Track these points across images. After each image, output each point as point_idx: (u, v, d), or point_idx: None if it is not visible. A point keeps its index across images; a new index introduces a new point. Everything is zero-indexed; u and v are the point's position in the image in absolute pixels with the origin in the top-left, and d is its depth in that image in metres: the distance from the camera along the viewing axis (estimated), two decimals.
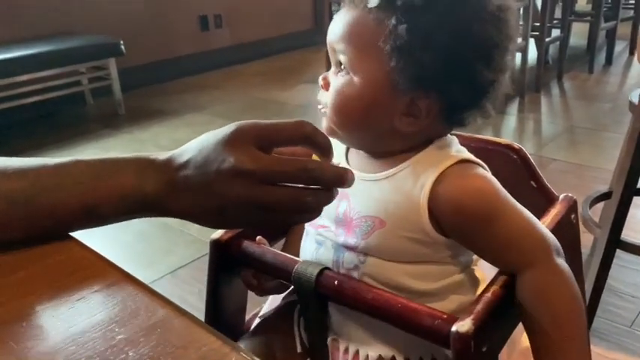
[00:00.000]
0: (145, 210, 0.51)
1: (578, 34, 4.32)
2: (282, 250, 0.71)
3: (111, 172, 0.50)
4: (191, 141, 0.52)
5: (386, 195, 0.60)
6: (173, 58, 3.93)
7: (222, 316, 0.71)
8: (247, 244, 0.65)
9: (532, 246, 0.55)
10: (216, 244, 0.66)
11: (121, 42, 3.12)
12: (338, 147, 0.66)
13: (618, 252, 1.37)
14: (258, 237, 0.66)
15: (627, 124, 2.73)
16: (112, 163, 0.51)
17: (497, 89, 0.58)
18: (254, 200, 0.48)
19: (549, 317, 0.53)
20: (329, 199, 0.51)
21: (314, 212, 0.51)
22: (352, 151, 0.66)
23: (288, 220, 0.53)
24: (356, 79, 0.58)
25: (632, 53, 4.05)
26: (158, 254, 1.85)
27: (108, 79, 3.21)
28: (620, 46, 4.08)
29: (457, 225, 0.57)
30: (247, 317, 0.78)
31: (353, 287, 0.57)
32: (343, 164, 0.65)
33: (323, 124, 0.63)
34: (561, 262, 0.55)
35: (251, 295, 0.73)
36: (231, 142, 0.48)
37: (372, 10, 0.56)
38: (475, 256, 0.63)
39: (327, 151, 0.51)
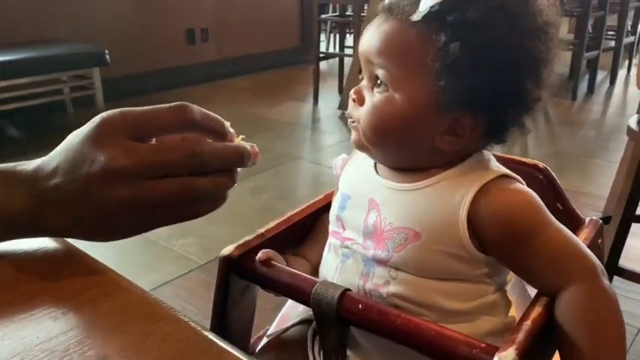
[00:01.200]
0: (14, 231, 0.44)
1: (560, 62, 4.39)
2: (306, 246, 0.67)
3: None
4: (58, 146, 0.44)
5: (421, 206, 0.57)
6: (158, 70, 3.88)
7: (227, 337, 0.66)
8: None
9: (578, 263, 0.53)
10: (226, 261, 0.61)
11: (106, 51, 3.06)
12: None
13: (615, 279, 1.36)
14: (265, 251, 0.61)
15: (613, 150, 2.80)
16: None
17: (540, 106, 0.56)
18: (138, 201, 0.41)
19: (592, 337, 0.50)
20: (230, 183, 0.45)
21: (217, 200, 0.45)
22: None
23: (187, 214, 0.44)
24: (398, 96, 0.55)
25: (612, 83, 4.14)
26: (140, 270, 1.78)
27: (91, 89, 3.14)
28: (601, 76, 4.16)
29: (498, 240, 0.54)
30: (252, 339, 0.73)
31: (380, 311, 0.53)
32: (371, 173, 0.61)
33: (353, 138, 0.60)
34: (607, 282, 0.52)
35: (257, 314, 0.68)
36: (97, 137, 0.41)
37: (416, 24, 0.53)
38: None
39: (220, 133, 0.46)
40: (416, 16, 0.53)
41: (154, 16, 3.81)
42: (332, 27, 5.18)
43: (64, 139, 0.44)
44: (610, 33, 4.27)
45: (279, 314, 0.73)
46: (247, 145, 0.47)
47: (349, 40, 4.42)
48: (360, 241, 0.61)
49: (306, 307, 0.67)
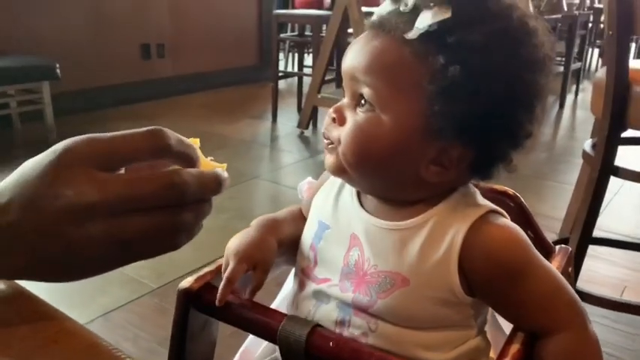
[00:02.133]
0: None
1: None
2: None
3: None
4: (11, 174, 0.39)
5: (410, 249, 0.52)
6: (112, 86, 3.78)
7: None
8: None
9: (567, 308, 0.51)
10: (184, 295, 0.57)
11: (57, 65, 2.95)
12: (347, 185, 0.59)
13: None
14: (223, 293, 0.54)
15: (564, 172, 2.88)
16: None
17: (529, 142, 0.53)
18: (112, 238, 0.37)
19: None
20: (209, 210, 0.42)
21: (194, 230, 0.42)
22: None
23: (165, 247, 0.41)
24: (385, 118, 0.50)
25: (561, 106, 4.28)
26: (90, 294, 1.69)
27: (40, 104, 3.01)
28: (551, 100, 4.30)
29: (489, 280, 0.51)
30: None
31: (352, 349, 0.49)
32: (355, 206, 0.57)
33: (328, 161, 0.55)
34: (592, 329, 0.51)
35: (218, 353, 0.64)
36: (61, 168, 0.37)
37: (411, 42, 0.49)
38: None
39: (192, 160, 0.42)
40: (412, 34, 0.48)
41: (108, 29, 3.72)
42: (290, 46, 5.19)
43: (11, 155, 0.40)
44: (558, 59, 4.43)
45: (241, 348, 0.69)
46: (220, 168, 0.44)
47: (307, 60, 4.43)
48: (336, 281, 0.56)
49: (270, 343, 0.63)
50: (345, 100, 0.54)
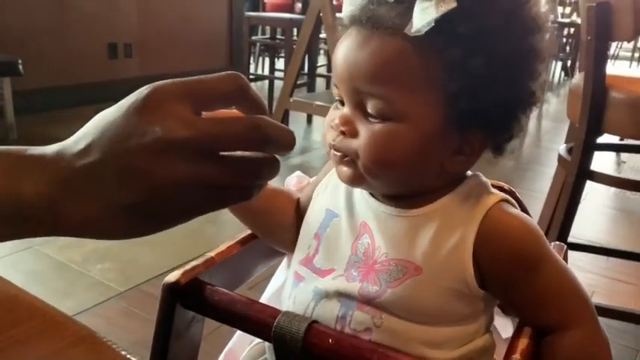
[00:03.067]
0: (21, 223, 0.35)
1: None
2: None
3: None
4: (90, 121, 0.37)
5: (423, 235, 0.50)
6: (77, 85, 3.67)
7: None
8: (211, 290, 0.53)
9: (579, 303, 0.50)
10: (170, 290, 0.53)
11: (19, 61, 2.84)
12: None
13: None
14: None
15: (531, 180, 2.93)
16: None
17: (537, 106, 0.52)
18: (198, 179, 0.35)
19: None
20: (278, 170, 0.40)
21: (262, 188, 0.40)
22: None
23: (239, 199, 0.39)
24: (402, 126, 0.47)
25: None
26: (53, 298, 1.60)
27: None
28: None
29: (503, 269, 0.49)
30: None
31: (353, 346, 0.47)
32: (366, 194, 0.55)
33: (346, 173, 0.51)
34: (602, 327, 0.50)
35: (203, 351, 0.60)
36: (149, 107, 0.35)
37: (416, 38, 0.45)
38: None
39: (262, 108, 0.40)
40: (416, 30, 0.44)
41: (74, 27, 3.61)
42: (261, 50, 5.15)
43: None
44: None
45: (226, 349, 0.66)
46: None
47: (279, 63, 4.41)
48: (340, 271, 0.53)
49: (259, 342, 0.60)
50: (348, 110, 0.50)
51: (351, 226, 0.54)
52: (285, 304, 0.57)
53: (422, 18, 0.44)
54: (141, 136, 0.34)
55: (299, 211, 0.61)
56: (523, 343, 0.48)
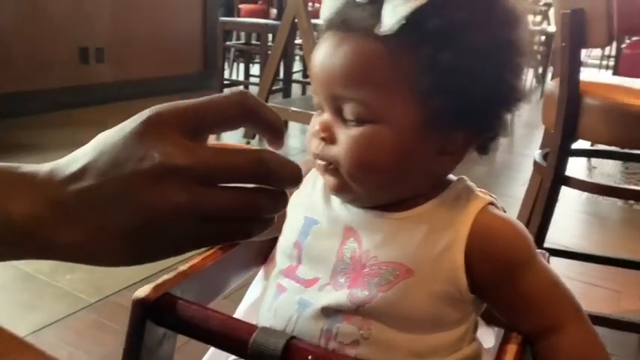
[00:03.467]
0: (10, 244, 0.34)
1: None
2: None
3: None
4: (89, 143, 0.36)
5: (414, 237, 0.49)
6: (47, 90, 3.58)
7: None
8: (184, 305, 0.50)
9: (570, 303, 0.50)
10: (141, 305, 0.50)
11: None
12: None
13: None
14: None
15: (504, 185, 2.97)
16: None
17: (518, 106, 0.51)
18: (194, 208, 0.34)
19: None
20: (286, 203, 0.38)
21: (269, 222, 0.38)
22: None
23: (241, 232, 0.37)
24: (382, 127, 0.47)
25: None
26: (19, 310, 1.56)
27: None
28: None
29: (495, 271, 0.49)
30: None
31: None
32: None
33: (331, 182, 0.50)
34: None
35: None
36: (148, 132, 0.34)
37: (388, 38, 0.45)
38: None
39: (279, 130, 0.38)
40: (386, 29, 0.44)
41: (43, 31, 3.53)
42: (236, 55, 5.12)
43: None
44: None
45: None
46: None
47: (253, 68, 4.38)
48: (326, 279, 0.51)
49: (235, 359, 0.58)
50: (328, 116, 0.50)
51: (334, 231, 0.53)
52: (265, 317, 0.55)
53: (392, 16, 0.44)
54: (139, 161, 0.33)
55: None
56: (512, 349, 0.47)
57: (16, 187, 0.34)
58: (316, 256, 0.53)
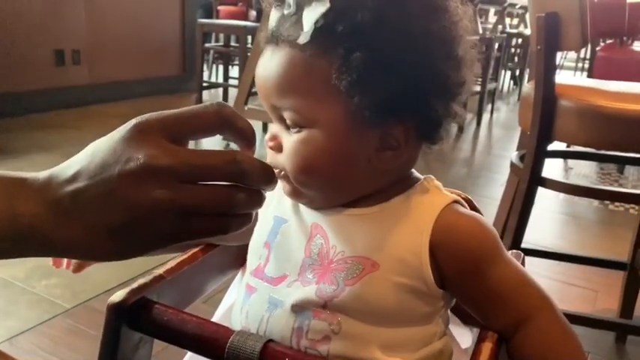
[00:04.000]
0: (16, 239, 0.39)
1: None
2: None
3: None
4: (81, 151, 0.41)
5: (378, 232, 0.50)
6: (20, 92, 3.52)
7: None
8: (160, 310, 0.50)
9: (538, 293, 0.51)
10: (116, 310, 0.50)
11: None
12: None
13: None
14: None
15: (482, 186, 2.99)
16: None
17: (466, 88, 0.51)
18: (175, 204, 0.38)
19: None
20: (261, 201, 0.42)
21: (245, 218, 0.42)
22: None
23: (219, 227, 0.41)
24: (315, 132, 0.49)
25: (478, 124, 4.47)
26: None
27: None
28: (468, 118, 4.48)
29: (461, 266, 0.50)
30: None
31: None
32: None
33: (286, 189, 0.53)
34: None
35: None
36: (134, 137, 0.39)
37: (307, 46, 0.47)
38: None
39: (250, 138, 0.43)
40: (303, 38, 0.46)
41: (17, 32, 3.47)
42: (215, 57, 5.10)
43: None
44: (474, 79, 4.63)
45: None
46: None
47: (233, 71, 4.36)
48: (294, 276, 0.52)
49: None
50: (274, 126, 0.52)
51: (302, 229, 0.54)
52: (237, 319, 0.55)
53: (307, 25, 0.46)
54: (125, 162, 0.38)
55: None
56: (487, 348, 0.47)
57: (21, 191, 0.39)
58: (285, 253, 0.54)
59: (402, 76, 0.46)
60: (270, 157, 0.52)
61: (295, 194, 0.53)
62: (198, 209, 0.39)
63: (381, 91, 0.46)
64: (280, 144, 0.51)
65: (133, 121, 0.40)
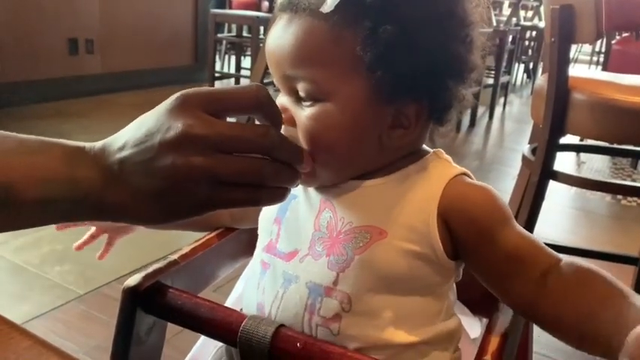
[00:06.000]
0: (74, 201, 0.42)
1: None
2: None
3: (32, 150, 0.42)
4: (128, 125, 0.44)
5: (386, 201, 0.51)
6: (35, 81, 3.54)
7: None
8: (174, 294, 0.51)
9: (551, 250, 0.50)
10: (131, 294, 0.51)
11: None
12: None
13: None
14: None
15: (494, 180, 2.98)
16: (35, 142, 0.43)
17: (475, 76, 0.51)
18: (210, 171, 0.40)
19: (604, 279, 0.46)
20: (292, 177, 0.44)
21: (277, 194, 0.45)
22: None
23: (250, 198, 0.43)
24: (332, 105, 0.48)
25: (490, 117, 4.44)
26: (8, 301, 1.55)
27: None
28: (481, 110, 4.45)
29: (474, 231, 0.49)
30: None
31: (322, 350, 0.46)
32: None
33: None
34: None
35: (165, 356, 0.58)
36: (175, 109, 0.41)
37: (330, 15, 0.46)
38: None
39: (279, 123, 0.45)
40: (327, 7, 0.45)
41: (32, 21, 3.49)
42: (227, 48, 5.10)
43: None
44: (487, 72, 4.60)
45: (190, 354, 0.63)
46: None
47: (245, 61, 4.36)
48: (305, 250, 0.52)
49: (222, 348, 0.58)
50: (284, 98, 0.51)
51: (311, 204, 0.54)
52: (253, 296, 0.55)
53: None
54: (165, 131, 0.40)
55: None
56: (495, 339, 0.47)
57: (80, 158, 0.42)
58: (295, 228, 0.54)
59: (426, 55, 0.47)
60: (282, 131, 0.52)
61: (309, 173, 0.51)
62: (231, 178, 0.41)
63: (404, 67, 0.46)
64: (291, 117, 0.50)
65: (176, 95, 0.42)
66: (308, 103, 0.49)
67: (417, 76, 0.47)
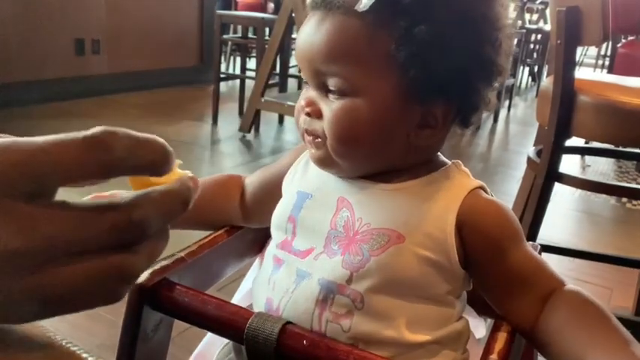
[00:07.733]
0: None
1: None
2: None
3: None
4: None
5: (405, 207, 0.51)
6: (41, 81, 3.56)
7: None
8: (181, 291, 0.51)
9: (556, 274, 0.52)
10: (138, 291, 0.51)
11: None
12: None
13: None
14: None
15: (499, 182, 2.98)
16: None
17: (500, 80, 0.52)
18: (35, 295, 0.28)
19: (600, 317, 0.48)
20: (165, 244, 0.33)
21: (138, 273, 0.32)
22: None
23: (100, 301, 0.31)
24: (362, 100, 0.49)
25: (495, 120, 4.43)
26: None
27: None
28: (485, 113, 4.45)
29: (485, 245, 0.51)
30: None
31: (328, 347, 0.46)
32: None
33: (316, 155, 0.53)
34: None
35: (171, 353, 0.58)
36: None
37: (365, 14, 0.47)
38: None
39: (159, 168, 0.32)
40: (362, 6, 0.46)
41: (38, 21, 3.51)
42: (232, 49, 5.11)
43: None
44: None
45: (196, 351, 0.64)
46: (187, 177, 0.34)
47: (250, 62, 4.37)
48: (320, 248, 0.53)
49: (229, 345, 0.59)
50: (312, 92, 0.52)
51: (327, 202, 0.54)
52: (263, 291, 0.55)
53: None
54: None
55: (243, 194, 0.65)
56: (502, 337, 0.47)
57: None
58: (310, 227, 0.54)
59: (460, 56, 0.47)
60: (306, 123, 0.52)
61: (326, 162, 0.52)
62: (76, 292, 0.29)
63: (438, 67, 0.47)
64: (319, 110, 0.51)
65: None
66: (336, 98, 0.50)
67: (449, 77, 0.47)
